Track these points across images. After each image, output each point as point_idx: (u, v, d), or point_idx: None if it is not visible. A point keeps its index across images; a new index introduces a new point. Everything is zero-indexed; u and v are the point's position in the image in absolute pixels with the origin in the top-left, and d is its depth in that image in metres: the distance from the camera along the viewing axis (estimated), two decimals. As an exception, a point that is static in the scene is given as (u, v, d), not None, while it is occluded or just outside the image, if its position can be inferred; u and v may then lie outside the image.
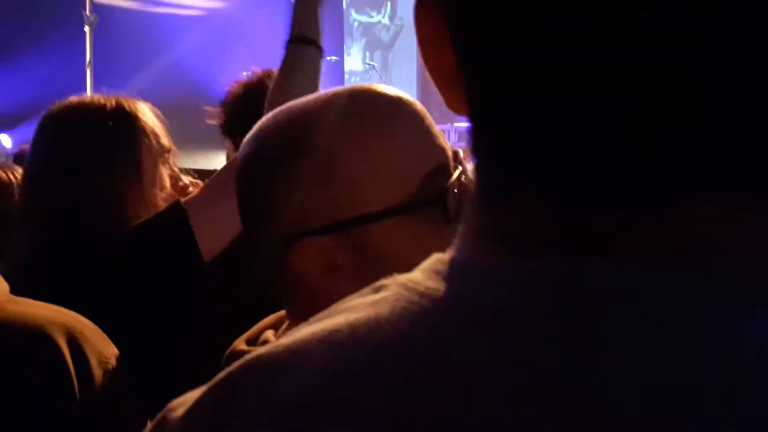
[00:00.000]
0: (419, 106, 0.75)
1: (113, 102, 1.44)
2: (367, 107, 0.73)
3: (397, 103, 0.74)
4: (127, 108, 1.44)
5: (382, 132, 0.72)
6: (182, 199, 1.41)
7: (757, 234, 0.29)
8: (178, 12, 9.59)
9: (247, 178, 0.75)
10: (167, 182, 1.47)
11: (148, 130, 1.44)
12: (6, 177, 1.81)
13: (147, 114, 1.47)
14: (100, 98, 1.46)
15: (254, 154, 0.74)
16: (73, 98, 1.49)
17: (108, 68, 7.19)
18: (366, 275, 0.40)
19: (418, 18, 0.37)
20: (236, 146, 1.85)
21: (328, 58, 9.25)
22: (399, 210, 0.70)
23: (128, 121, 1.43)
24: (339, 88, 0.74)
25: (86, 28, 6.91)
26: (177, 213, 1.36)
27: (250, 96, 1.83)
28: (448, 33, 0.35)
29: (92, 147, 1.41)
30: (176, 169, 1.51)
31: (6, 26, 8.27)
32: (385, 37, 12.58)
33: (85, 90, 6.75)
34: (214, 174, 1.44)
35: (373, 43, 12.44)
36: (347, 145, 0.71)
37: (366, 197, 0.70)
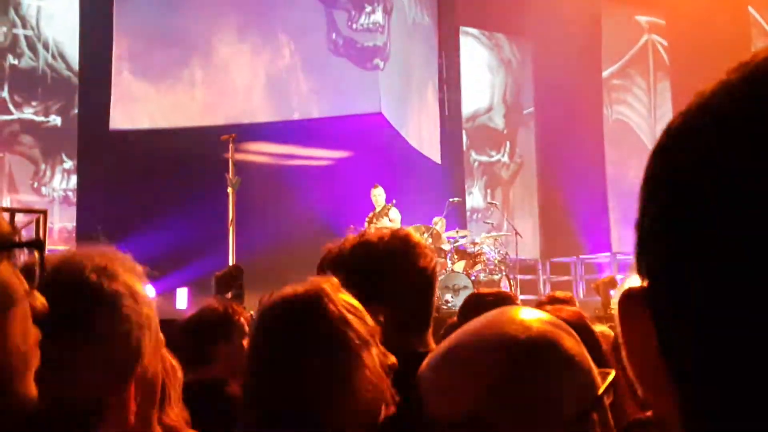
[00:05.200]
0: (570, 342, 0.75)
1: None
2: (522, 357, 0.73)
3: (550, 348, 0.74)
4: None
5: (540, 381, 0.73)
6: None
7: None
8: (308, 164, 10.13)
9: None
10: None
11: None
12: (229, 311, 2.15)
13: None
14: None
15: None
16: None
17: (245, 221, 7.46)
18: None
19: (624, 323, 0.38)
20: None
21: (451, 199, 9.40)
22: None
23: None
24: (512, 335, 0.73)
25: (229, 190, 7.16)
26: None
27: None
28: (657, 337, 0.36)
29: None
30: None
31: (156, 191, 8.97)
32: (505, 174, 12.72)
33: (227, 245, 7.08)
34: None
35: (494, 181, 12.59)
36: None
37: None
